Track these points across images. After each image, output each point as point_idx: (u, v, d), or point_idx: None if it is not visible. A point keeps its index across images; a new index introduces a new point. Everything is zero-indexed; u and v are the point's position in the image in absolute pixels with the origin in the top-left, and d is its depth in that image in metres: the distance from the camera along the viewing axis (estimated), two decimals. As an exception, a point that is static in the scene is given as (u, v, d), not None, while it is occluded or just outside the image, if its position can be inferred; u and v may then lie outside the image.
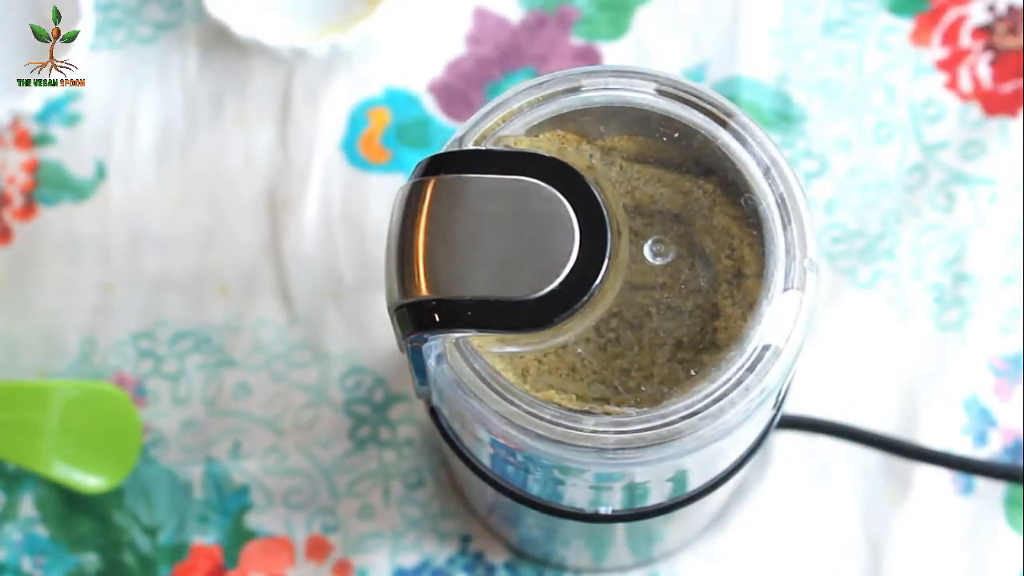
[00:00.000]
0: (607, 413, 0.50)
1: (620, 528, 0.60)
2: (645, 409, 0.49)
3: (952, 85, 0.74)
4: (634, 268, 0.55)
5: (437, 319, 0.48)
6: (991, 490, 0.70)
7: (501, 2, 0.75)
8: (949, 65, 0.74)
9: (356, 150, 0.74)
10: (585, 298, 0.49)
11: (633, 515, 0.55)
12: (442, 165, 0.49)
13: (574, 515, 0.54)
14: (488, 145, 0.51)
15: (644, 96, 0.52)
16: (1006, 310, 0.71)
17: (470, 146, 0.51)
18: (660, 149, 0.54)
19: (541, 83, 0.52)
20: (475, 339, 0.49)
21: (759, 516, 0.69)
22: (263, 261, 0.72)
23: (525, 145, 0.52)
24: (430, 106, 0.74)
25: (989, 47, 0.74)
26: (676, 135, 0.53)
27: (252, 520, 0.70)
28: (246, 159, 0.74)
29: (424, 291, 0.48)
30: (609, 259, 0.50)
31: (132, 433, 0.70)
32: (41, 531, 0.69)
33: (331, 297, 0.72)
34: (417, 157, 0.73)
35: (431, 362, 0.50)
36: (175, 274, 0.72)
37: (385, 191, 0.73)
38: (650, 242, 0.55)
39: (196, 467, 0.70)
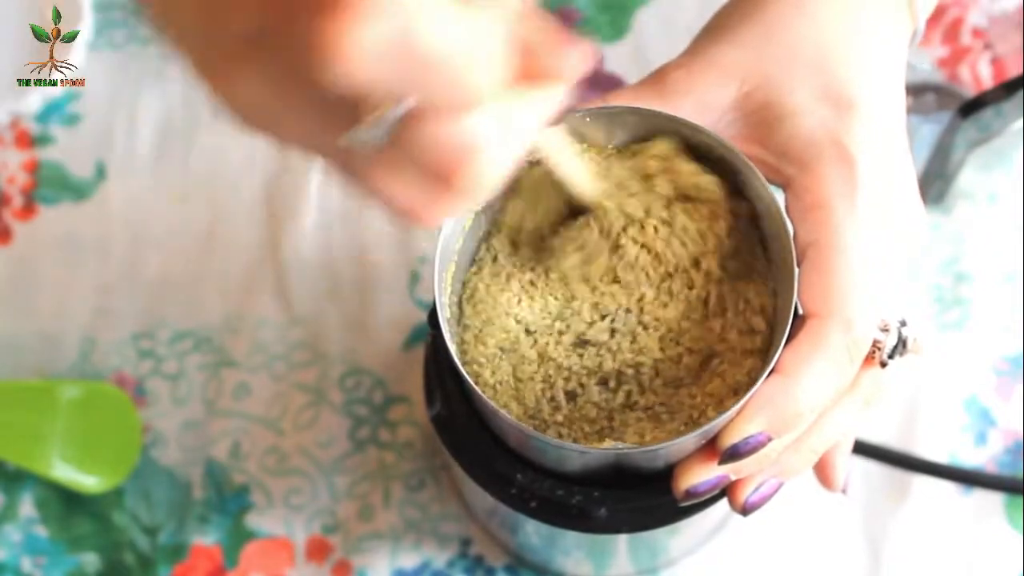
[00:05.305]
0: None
1: (622, 539, 0.60)
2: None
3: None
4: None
5: None
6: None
7: (501, 2, 0.75)
8: (949, 63, 0.74)
9: (356, 150, 0.74)
10: None
11: (636, 526, 0.55)
12: None
13: (575, 525, 0.54)
14: None
15: None
16: (1006, 310, 0.71)
17: None
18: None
19: None
20: None
21: (760, 519, 0.69)
22: (263, 261, 0.72)
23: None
24: (430, 106, 0.74)
25: (989, 46, 0.74)
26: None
27: (252, 520, 0.70)
28: (246, 159, 0.74)
29: None
30: None
31: (132, 433, 0.70)
32: (41, 531, 0.69)
33: (330, 297, 0.72)
34: (417, 157, 0.73)
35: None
36: (175, 274, 0.72)
37: (385, 191, 0.73)
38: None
39: (196, 467, 0.70)
